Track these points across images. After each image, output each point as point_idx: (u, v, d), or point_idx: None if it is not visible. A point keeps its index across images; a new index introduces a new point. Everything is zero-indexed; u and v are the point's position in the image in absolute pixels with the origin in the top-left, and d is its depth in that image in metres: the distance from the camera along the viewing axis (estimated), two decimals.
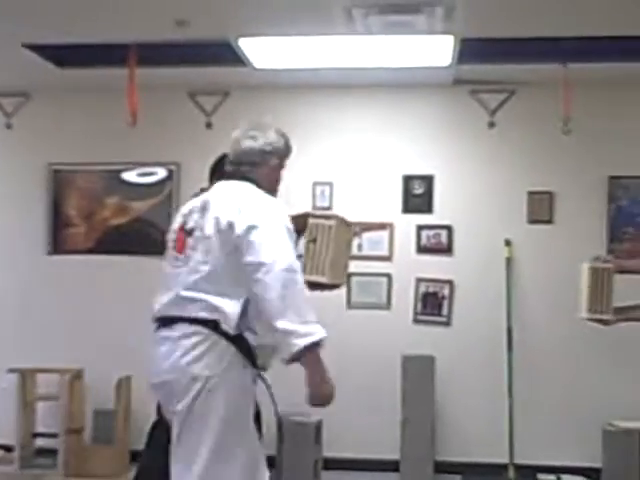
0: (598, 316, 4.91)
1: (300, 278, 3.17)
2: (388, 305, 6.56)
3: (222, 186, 3.39)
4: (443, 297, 6.50)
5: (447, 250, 6.51)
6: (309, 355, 3.06)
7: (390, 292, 6.55)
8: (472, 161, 6.53)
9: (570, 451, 6.28)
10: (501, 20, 5.08)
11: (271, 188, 3.49)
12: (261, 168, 3.47)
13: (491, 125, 6.50)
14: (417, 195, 6.58)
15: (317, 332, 3.08)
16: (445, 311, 6.50)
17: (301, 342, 3.01)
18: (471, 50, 5.59)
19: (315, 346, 3.05)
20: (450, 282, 6.48)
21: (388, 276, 6.54)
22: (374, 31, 5.18)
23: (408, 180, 6.59)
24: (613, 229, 6.45)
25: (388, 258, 6.56)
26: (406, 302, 6.52)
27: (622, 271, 5.01)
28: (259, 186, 3.37)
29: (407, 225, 6.54)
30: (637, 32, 5.28)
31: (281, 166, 3.61)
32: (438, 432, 6.20)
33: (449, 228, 6.51)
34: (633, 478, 5.90)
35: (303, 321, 3.06)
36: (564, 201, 6.46)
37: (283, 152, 3.61)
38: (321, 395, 3.13)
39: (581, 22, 5.08)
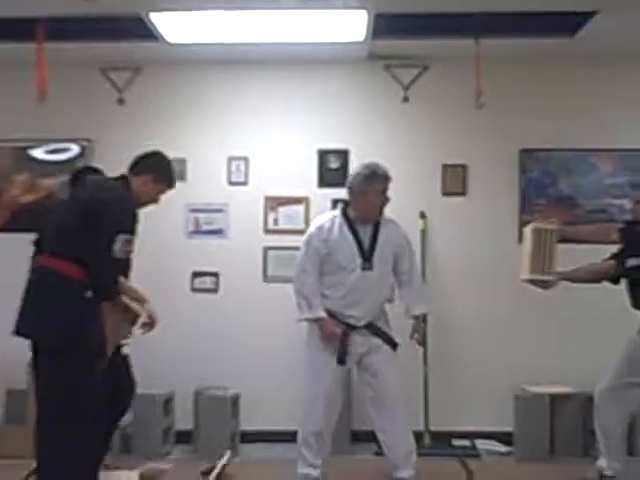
0: (539, 277, 4.95)
1: None
2: None
3: None
4: None
5: None
6: None
7: None
8: (387, 135, 6.57)
9: (484, 416, 6.44)
10: None
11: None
12: None
13: (405, 99, 6.55)
14: (333, 169, 6.60)
15: None
16: None
17: None
18: (385, 25, 5.61)
19: None
20: None
21: None
22: (288, 5, 5.14)
23: (323, 154, 6.60)
24: (525, 201, 6.57)
25: (304, 232, 6.54)
26: None
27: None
28: None
29: (323, 199, 6.55)
30: (546, 8, 5.36)
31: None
32: (355, 402, 6.26)
33: None
34: (544, 440, 6.11)
35: None
36: (477, 174, 6.57)
37: None
38: None
39: None
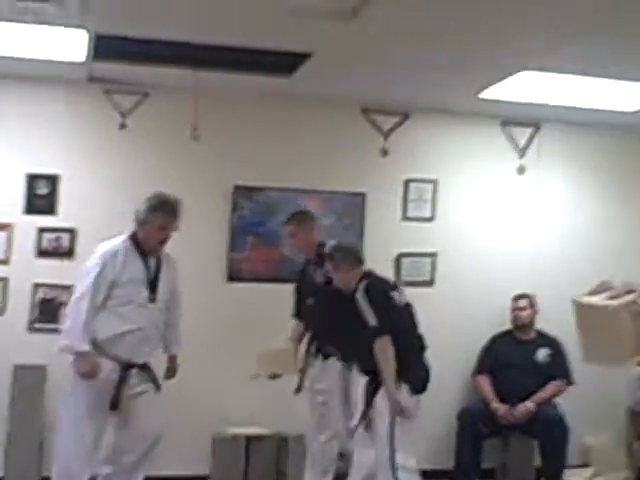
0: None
1: None
2: (2, 311, 6.17)
3: None
4: (61, 303, 6.23)
5: (68, 254, 6.27)
6: None
7: (6, 298, 6.16)
8: (102, 162, 6.32)
9: (181, 460, 6.25)
10: (136, 19, 4.91)
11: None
12: None
13: (123, 126, 6.34)
14: (41, 195, 6.27)
15: None
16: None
17: None
18: (107, 48, 5.37)
19: None
20: (69, 287, 6.23)
21: (4, 280, 6.15)
22: (3, 16, 4.88)
23: (32, 179, 6.22)
24: (235, 237, 6.59)
25: (5, 262, 6.17)
26: (22, 308, 6.18)
27: None
28: None
29: (28, 227, 6.18)
30: (262, 46, 5.40)
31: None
32: (46, 445, 5.89)
33: (72, 231, 6.27)
34: None
35: None
36: (190, 207, 6.29)
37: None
38: None
39: (212, 30, 5.05)
